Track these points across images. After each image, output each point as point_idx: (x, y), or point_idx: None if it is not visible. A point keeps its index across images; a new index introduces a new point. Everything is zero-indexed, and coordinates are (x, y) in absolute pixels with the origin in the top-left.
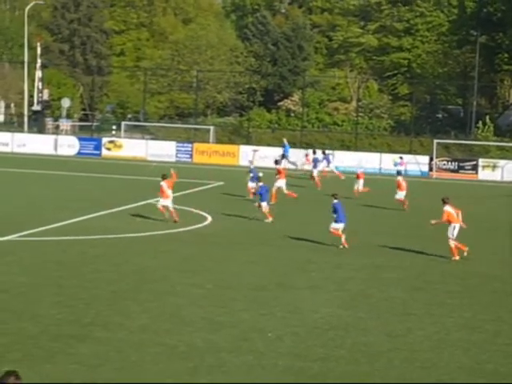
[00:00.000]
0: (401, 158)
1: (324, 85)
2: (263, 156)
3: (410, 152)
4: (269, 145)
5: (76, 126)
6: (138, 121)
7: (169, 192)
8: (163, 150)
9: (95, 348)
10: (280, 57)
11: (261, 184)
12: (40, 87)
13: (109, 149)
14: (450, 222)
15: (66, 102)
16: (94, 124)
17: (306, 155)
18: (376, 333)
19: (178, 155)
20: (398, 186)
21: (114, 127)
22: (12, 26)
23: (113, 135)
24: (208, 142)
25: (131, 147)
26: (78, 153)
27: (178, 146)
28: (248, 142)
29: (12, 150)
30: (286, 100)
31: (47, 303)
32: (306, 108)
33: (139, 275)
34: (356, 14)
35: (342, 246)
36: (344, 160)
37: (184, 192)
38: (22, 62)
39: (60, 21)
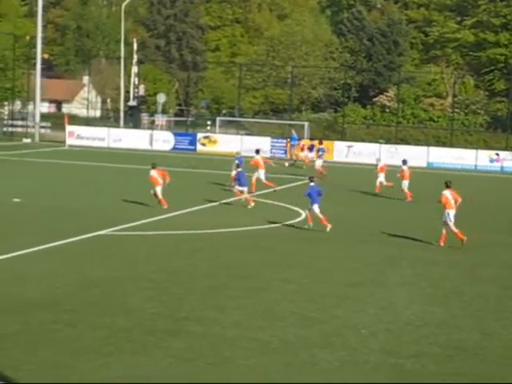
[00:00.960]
0: (497, 154)
1: (419, 80)
2: (357, 152)
3: (506, 148)
4: (363, 140)
5: (171, 122)
6: (233, 116)
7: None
8: (258, 146)
9: (189, 342)
10: (375, 52)
11: (239, 170)
12: (136, 83)
13: (204, 144)
14: (445, 208)
15: (161, 98)
16: (189, 119)
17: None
18: (469, 330)
19: (273, 151)
20: (403, 176)
21: (208, 123)
22: (109, 22)
23: (207, 131)
24: (302, 138)
25: (226, 143)
26: (173, 148)
27: (272, 142)
28: (342, 138)
29: (108, 145)
30: (381, 96)
31: (141, 298)
32: (401, 104)
33: (233, 270)
34: (452, 9)
35: (328, 228)
36: (439, 156)
37: (279, 187)
38: (119, 58)
39: (156, 16)
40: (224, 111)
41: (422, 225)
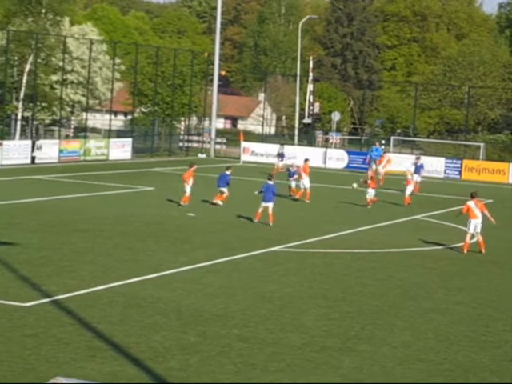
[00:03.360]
0: None
1: None
2: None
3: None
4: None
5: (345, 140)
6: (408, 136)
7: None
8: (432, 166)
9: (359, 361)
10: None
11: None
12: (311, 100)
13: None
14: (469, 218)
15: (336, 116)
16: (364, 138)
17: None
18: None
19: (447, 171)
20: (408, 182)
21: (383, 141)
22: (286, 40)
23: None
24: (478, 159)
25: (400, 162)
26: (347, 166)
27: (446, 162)
28: None
29: (284, 163)
30: None
31: (313, 315)
32: None
33: (403, 290)
34: None
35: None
36: None
37: (452, 208)
38: (295, 75)
39: (333, 35)
40: (398, 130)
41: None
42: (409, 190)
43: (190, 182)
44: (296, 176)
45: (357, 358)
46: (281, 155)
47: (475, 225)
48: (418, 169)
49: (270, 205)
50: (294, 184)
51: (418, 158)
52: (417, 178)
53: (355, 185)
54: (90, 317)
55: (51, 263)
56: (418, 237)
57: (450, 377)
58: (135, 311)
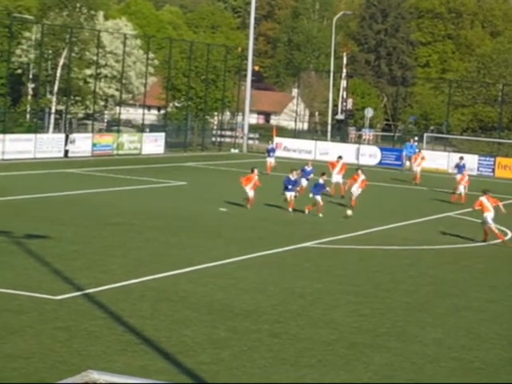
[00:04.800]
0: None
1: None
2: None
3: None
4: None
5: (378, 136)
6: (441, 133)
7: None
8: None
9: (389, 358)
10: None
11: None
12: (344, 96)
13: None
14: (483, 212)
15: (369, 112)
16: (397, 134)
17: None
18: None
19: (480, 169)
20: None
21: (416, 138)
22: (319, 36)
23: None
24: (511, 157)
25: (433, 159)
26: (380, 163)
27: (480, 160)
28: None
29: (315, 158)
30: None
31: (343, 311)
32: None
33: (435, 287)
34: None
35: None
36: None
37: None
38: (328, 71)
39: (367, 31)
40: (432, 127)
41: None
42: (462, 188)
43: (249, 185)
44: (312, 175)
45: (387, 354)
46: (271, 151)
47: (491, 217)
48: (461, 169)
49: (318, 197)
50: (304, 183)
51: (461, 159)
52: (459, 177)
53: (349, 212)
54: (121, 310)
55: (83, 257)
56: (451, 234)
57: (482, 375)
58: (166, 305)
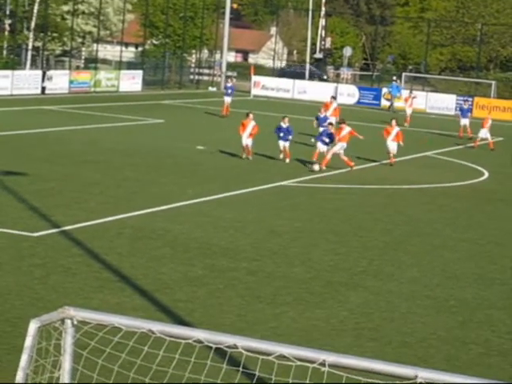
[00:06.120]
0: None
1: None
2: None
3: None
4: None
5: (356, 75)
6: (419, 72)
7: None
8: (443, 103)
9: (365, 297)
10: None
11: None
12: (323, 35)
13: (387, 99)
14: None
15: (347, 51)
16: (375, 74)
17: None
18: None
19: (458, 109)
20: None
21: (394, 78)
22: None
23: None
24: (489, 97)
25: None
26: (358, 102)
27: (458, 100)
28: None
29: (292, 97)
30: None
31: (321, 250)
32: None
33: (411, 227)
34: None
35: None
36: None
37: (461, 146)
38: (307, 10)
39: None
40: (410, 67)
41: None
42: (483, 132)
43: (245, 133)
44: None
45: (363, 293)
46: (229, 88)
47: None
48: (465, 112)
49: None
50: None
51: (465, 101)
52: (465, 121)
53: (316, 167)
54: (99, 248)
55: (60, 194)
56: (428, 174)
57: (457, 313)
58: (143, 243)
